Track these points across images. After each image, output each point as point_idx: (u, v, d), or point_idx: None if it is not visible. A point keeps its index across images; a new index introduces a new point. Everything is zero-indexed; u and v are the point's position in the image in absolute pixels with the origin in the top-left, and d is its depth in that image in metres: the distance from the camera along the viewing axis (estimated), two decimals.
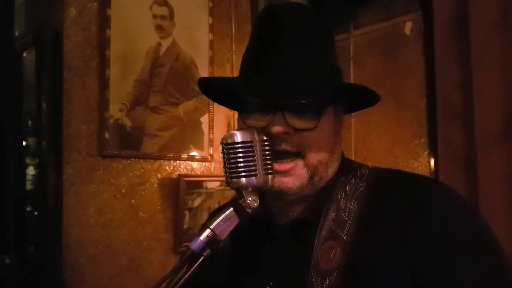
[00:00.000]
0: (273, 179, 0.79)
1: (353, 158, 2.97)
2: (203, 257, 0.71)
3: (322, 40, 0.78)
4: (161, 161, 1.79)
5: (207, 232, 0.73)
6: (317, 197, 0.79)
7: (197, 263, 0.71)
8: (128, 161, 1.72)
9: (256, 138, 0.77)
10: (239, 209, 0.77)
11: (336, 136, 0.80)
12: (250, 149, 0.77)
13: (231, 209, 0.77)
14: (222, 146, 0.78)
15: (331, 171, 0.81)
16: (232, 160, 0.77)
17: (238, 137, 0.77)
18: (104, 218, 1.64)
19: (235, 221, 0.77)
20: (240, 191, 0.78)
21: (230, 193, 2.01)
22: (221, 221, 0.75)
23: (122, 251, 1.67)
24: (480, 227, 0.71)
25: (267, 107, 0.75)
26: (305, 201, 0.79)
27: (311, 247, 0.75)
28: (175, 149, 1.83)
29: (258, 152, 0.77)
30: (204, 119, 1.94)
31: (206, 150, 1.93)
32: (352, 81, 2.72)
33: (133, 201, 1.72)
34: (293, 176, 0.76)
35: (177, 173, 1.81)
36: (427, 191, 0.74)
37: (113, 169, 1.68)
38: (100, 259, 1.62)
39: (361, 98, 0.82)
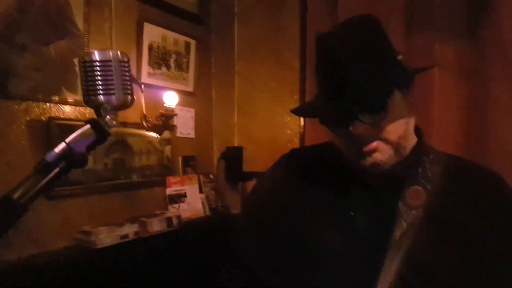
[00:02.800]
0: (132, 100, 0.85)
1: (236, 115, 3.11)
2: (58, 168, 0.75)
3: (373, 50, 0.92)
4: (29, 102, 1.71)
5: (63, 145, 0.77)
6: (406, 159, 0.96)
7: (52, 173, 0.74)
8: None
9: (114, 58, 0.81)
10: (97, 127, 0.81)
11: (408, 110, 0.95)
12: (108, 68, 0.80)
13: (89, 125, 0.81)
14: (80, 64, 0.81)
15: (412, 139, 0.99)
16: (90, 78, 0.80)
17: (96, 55, 0.80)
18: None
19: (92, 137, 0.81)
20: (98, 109, 0.82)
21: (109, 139, 2.00)
22: (77, 136, 0.79)
23: None
24: None
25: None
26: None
27: (399, 188, 0.94)
28: (45, 91, 1.76)
29: (117, 72, 0.81)
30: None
31: (81, 94, 1.88)
32: (236, 39, 2.83)
33: None
34: (379, 152, 0.91)
35: (47, 116, 1.75)
36: (504, 187, 0.96)
37: None
38: None
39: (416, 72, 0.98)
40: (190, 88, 2.63)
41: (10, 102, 1.65)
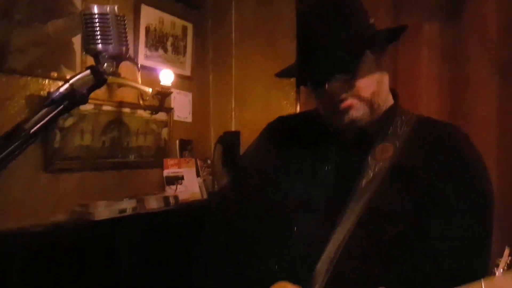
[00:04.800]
0: (127, 51, 1.01)
1: (233, 99, 3.34)
2: (62, 105, 0.91)
3: (345, 15, 1.10)
4: (28, 78, 1.88)
5: (66, 86, 0.93)
6: (380, 117, 1.13)
7: (58, 109, 0.91)
8: None
9: (111, 12, 0.98)
10: (96, 72, 0.98)
11: (380, 69, 1.12)
12: (106, 20, 0.97)
13: (89, 71, 0.97)
14: (81, 17, 0.98)
15: (386, 99, 1.16)
16: (90, 29, 0.96)
17: (95, 9, 0.97)
18: None
19: (91, 82, 0.97)
20: (97, 57, 0.98)
21: (104, 118, 2.18)
22: (79, 79, 0.95)
23: None
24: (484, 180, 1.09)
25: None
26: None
27: (370, 144, 1.10)
28: (43, 67, 1.93)
29: (114, 25, 0.98)
30: (77, 40, 2.05)
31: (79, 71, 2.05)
32: (233, 24, 3.00)
33: None
34: (355, 109, 1.08)
35: (46, 91, 1.92)
36: (459, 139, 1.12)
37: None
38: None
39: (387, 36, 1.15)
40: (187, 72, 2.80)
41: (9, 76, 1.82)
